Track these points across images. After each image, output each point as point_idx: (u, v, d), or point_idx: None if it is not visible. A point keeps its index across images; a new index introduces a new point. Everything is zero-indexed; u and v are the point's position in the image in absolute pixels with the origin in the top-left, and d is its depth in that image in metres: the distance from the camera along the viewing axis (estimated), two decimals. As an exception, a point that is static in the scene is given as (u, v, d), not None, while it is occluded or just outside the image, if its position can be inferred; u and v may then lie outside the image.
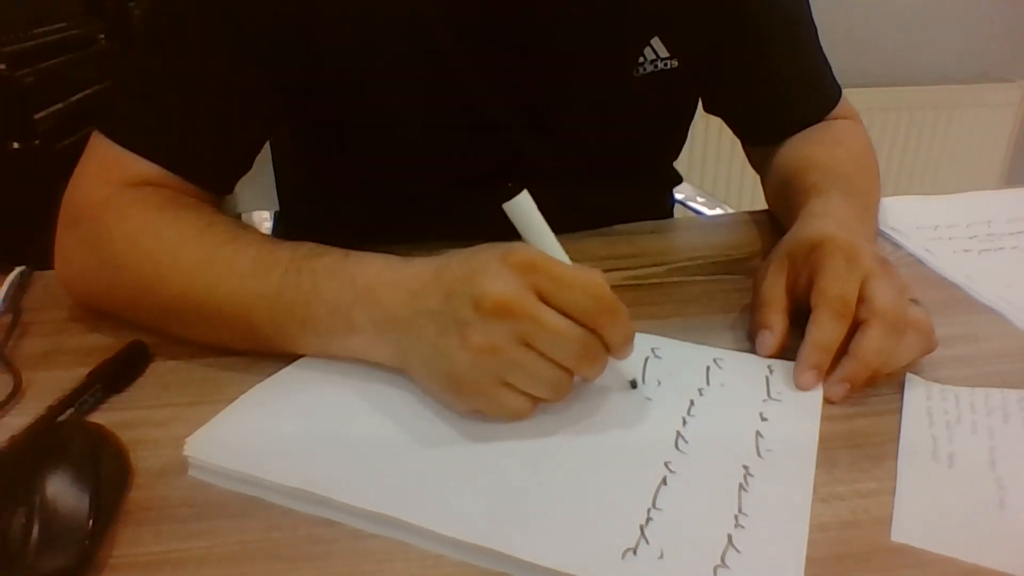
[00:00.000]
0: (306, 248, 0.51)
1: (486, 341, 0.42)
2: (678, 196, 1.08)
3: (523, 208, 0.45)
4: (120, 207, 0.56)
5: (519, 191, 0.44)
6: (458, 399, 0.45)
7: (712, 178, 2.01)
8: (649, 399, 0.48)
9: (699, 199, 1.15)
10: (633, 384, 0.48)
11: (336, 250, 0.51)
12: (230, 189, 0.66)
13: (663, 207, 0.90)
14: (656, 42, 0.68)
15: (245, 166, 0.66)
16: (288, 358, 0.51)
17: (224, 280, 0.51)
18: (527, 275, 0.42)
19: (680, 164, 0.87)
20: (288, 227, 0.97)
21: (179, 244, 0.53)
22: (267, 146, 0.86)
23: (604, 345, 0.44)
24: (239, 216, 1.15)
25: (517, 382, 0.43)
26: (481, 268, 0.43)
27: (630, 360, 0.47)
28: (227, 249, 0.52)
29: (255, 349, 0.52)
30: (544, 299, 0.42)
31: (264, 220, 1.14)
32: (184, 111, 0.60)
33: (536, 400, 0.44)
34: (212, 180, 0.62)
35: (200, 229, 0.54)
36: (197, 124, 0.60)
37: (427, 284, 0.45)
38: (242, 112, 0.62)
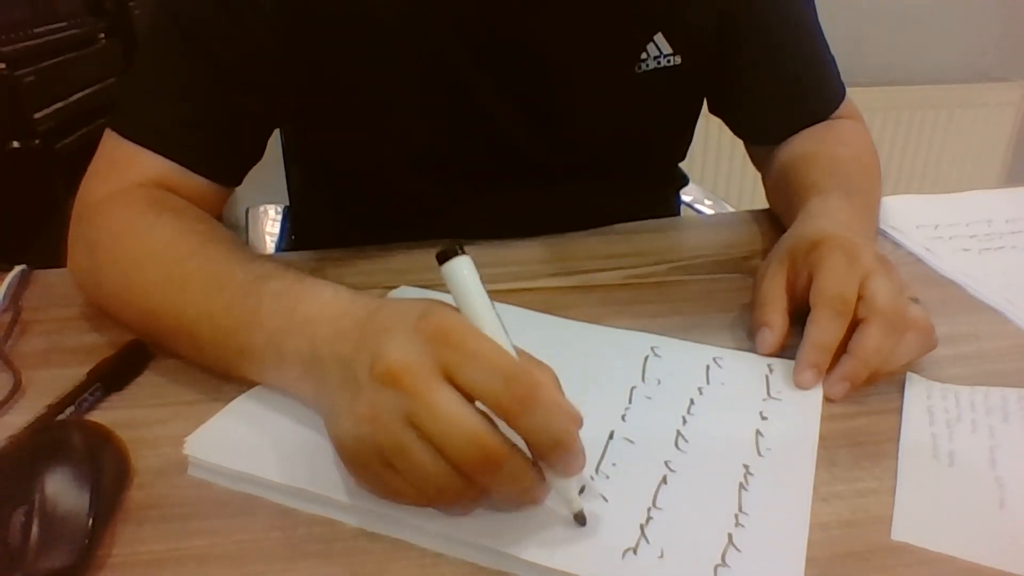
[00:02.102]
0: (262, 269, 0.49)
1: (368, 410, 0.36)
2: (685, 199, 1.08)
3: (459, 273, 0.37)
4: (110, 210, 0.57)
5: (458, 253, 0.37)
6: (346, 466, 0.39)
7: (713, 177, 2.01)
8: (649, 398, 0.48)
9: (706, 201, 1.14)
10: (579, 520, 0.38)
11: (291, 275, 0.47)
12: (239, 180, 0.66)
13: (669, 209, 0.90)
14: (659, 38, 0.68)
15: (253, 157, 0.67)
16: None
17: (177, 298, 0.50)
18: (436, 345, 0.36)
19: (684, 162, 0.87)
20: (296, 222, 0.98)
21: (145, 257, 0.53)
22: (276, 141, 0.86)
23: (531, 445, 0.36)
24: (247, 211, 1.15)
25: (399, 467, 0.36)
26: (394, 326, 0.38)
27: (571, 484, 0.38)
28: (187, 265, 0.51)
29: (209, 368, 0.50)
30: (449, 375, 0.35)
31: (274, 215, 1.14)
32: (189, 104, 0.61)
33: (429, 498, 0.37)
34: (219, 171, 0.63)
35: (169, 240, 0.54)
36: (202, 116, 0.61)
37: (352, 326, 0.41)
38: (247, 103, 0.63)
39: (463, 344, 0.36)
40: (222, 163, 0.63)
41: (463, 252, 0.37)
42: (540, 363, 0.38)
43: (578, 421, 0.37)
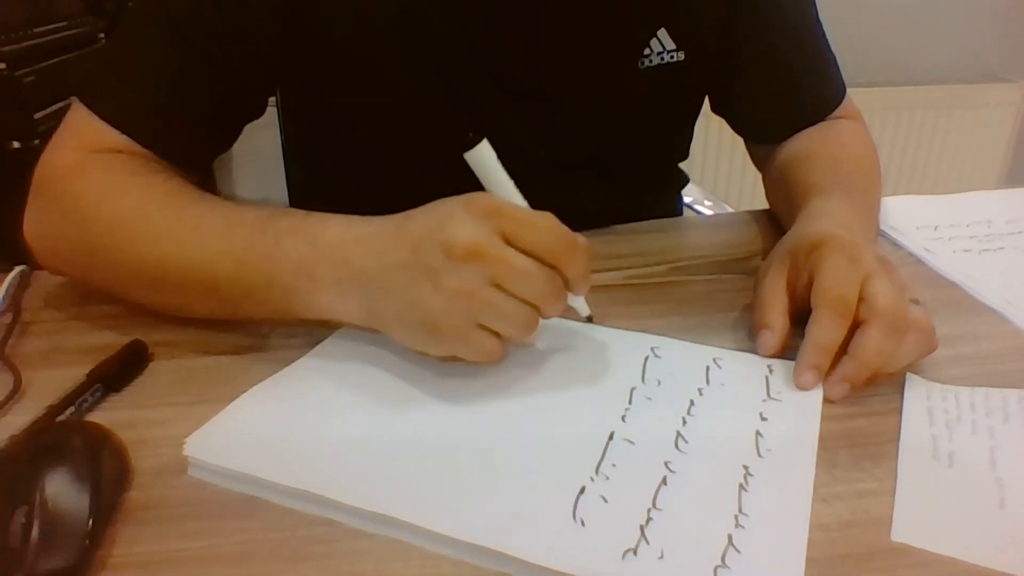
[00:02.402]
0: (270, 209, 0.52)
1: (460, 285, 0.43)
2: (685, 199, 1.08)
3: (483, 157, 0.47)
4: (90, 171, 0.57)
5: (479, 140, 0.47)
6: (435, 344, 0.46)
7: (713, 177, 2.01)
8: (649, 399, 0.48)
9: (706, 202, 1.14)
10: (589, 319, 0.52)
11: (297, 211, 0.52)
12: (203, 167, 0.66)
13: (671, 208, 0.90)
14: (663, 34, 0.68)
15: (220, 146, 0.67)
16: (288, 359, 0.51)
17: (190, 240, 0.52)
18: (491, 220, 0.44)
19: (683, 163, 0.87)
20: None
21: (147, 206, 0.54)
22: (277, 141, 0.86)
23: (564, 281, 0.46)
24: None
25: (489, 322, 0.45)
26: (446, 217, 0.45)
27: (584, 299, 0.51)
28: (195, 210, 0.53)
29: (221, 314, 0.52)
30: (509, 242, 0.44)
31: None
32: (161, 86, 0.60)
33: (504, 340, 0.46)
34: (184, 157, 0.62)
35: (169, 192, 0.55)
36: (173, 101, 0.61)
37: (392, 239, 0.47)
38: (220, 92, 0.62)
39: (512, 216, 0.45)
40: (190, 151, 0.63)
41: (482, 139, 0.47)
42: (546, 213, 0.46)
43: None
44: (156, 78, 0.60)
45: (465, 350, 0.46)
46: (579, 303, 0.51)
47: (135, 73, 0.61)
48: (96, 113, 0.59)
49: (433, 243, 0.44)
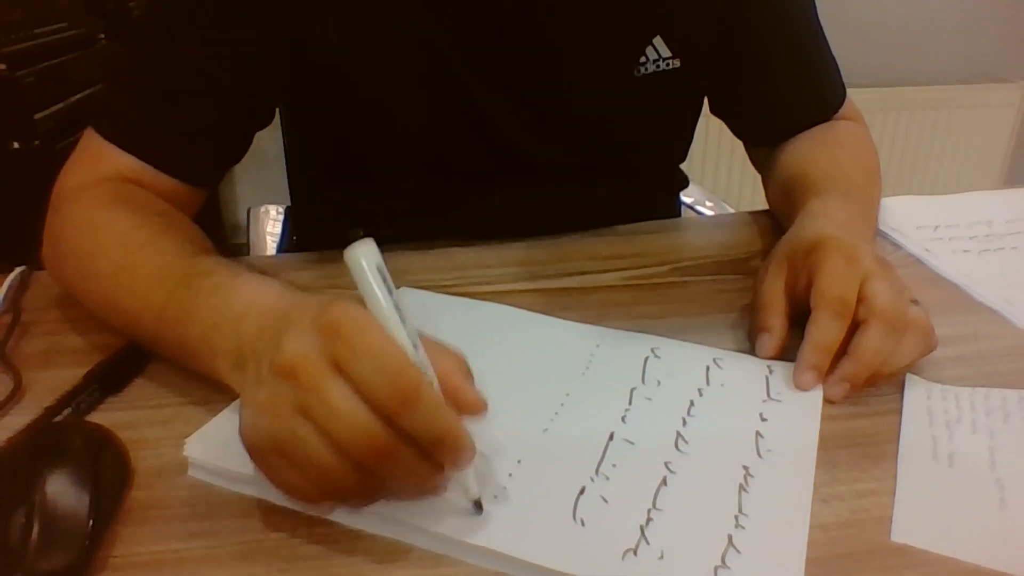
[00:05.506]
0: (205, 264, 0.49)
1: (267, 401, 0.37)
2: (686, 200, 1.07)
3: (358, 261, 0.36)
4: (78, 202, 0.58)
5: (360, 238, 0.36)
6: (249, 454, 0.39)
7: (713, 178, 2.01)
8: (649, 399, 0.48)
9: (707, 203, 1.14)
10: (477, 506, 0.38)
11: (229, 270, 0.48)
12: (212, 183, 0.66)
13: (670, 210, 0.90)
14: (658, 41, 0.68)
15: (228, 161, 0.67)
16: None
17: (125, 290, 0.51)
18: (329, 339, 0.36)
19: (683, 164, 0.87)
20: (298, 222, 0.98)
21: (99, 248, 0.54)
22: (278, 141, 0.86)
23: (416, 442, 0.36)
24: (248, 211, 1.15)
25: (295, 458, 0.36)
26: (296, 320, 0.38)
27: (466, 474, 0.38)
28: (137, 257, 0.52)
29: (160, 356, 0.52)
30: (340, 369, 0.35)
31: (275, 215, 1.14)
32: (166, 105, 0.61)
33: (325, 491, 0.37)
34: (191, 174, 0.63)
35: (123, 232, 0.54)
36: (178, 118, 0.61)
37: (272, 322, 0.41)
38: (226, 109, 0.63)
39: (353, 339, 0.35)
40: (196, 166, 0.63)
41: (364, 239, 0.36)
42: (445, 352, 0.38)
43: (468, 413, 0.37)
44: (161, 97, 0.61)
45: (269, 474, 0.38)
46: (465, 478, 0.38)
47: (140, 94, 0.61)
48: (104, 136, 0.60)
49: (272, 346, 0.38)
